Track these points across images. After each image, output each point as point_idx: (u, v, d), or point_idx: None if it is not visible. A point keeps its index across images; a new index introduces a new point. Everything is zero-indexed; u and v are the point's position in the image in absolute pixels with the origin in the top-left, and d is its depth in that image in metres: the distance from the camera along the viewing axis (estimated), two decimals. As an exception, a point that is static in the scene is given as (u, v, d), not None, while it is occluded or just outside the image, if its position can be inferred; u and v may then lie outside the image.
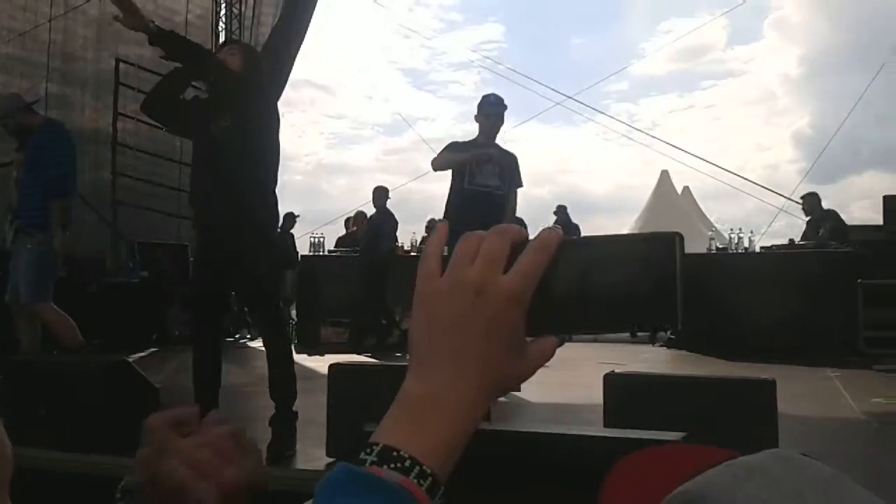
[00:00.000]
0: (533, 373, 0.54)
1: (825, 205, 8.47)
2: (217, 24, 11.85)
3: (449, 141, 5.15)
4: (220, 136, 3.27)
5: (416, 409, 0.51)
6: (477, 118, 5.09)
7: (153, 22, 3.18)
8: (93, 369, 3.31)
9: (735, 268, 7.62)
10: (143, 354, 5.59)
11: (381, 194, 8.65)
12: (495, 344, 0.52)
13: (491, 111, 5.06)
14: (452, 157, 4.97)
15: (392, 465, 0.48)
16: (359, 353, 6.93)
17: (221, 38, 11.84)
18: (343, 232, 10.51)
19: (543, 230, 0.54)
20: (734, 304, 7.10)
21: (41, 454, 1.33)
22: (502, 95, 5.17)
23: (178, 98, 3.48)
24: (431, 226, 10.27)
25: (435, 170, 5.05)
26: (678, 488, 0.54)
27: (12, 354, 3.69)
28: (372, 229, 8.50)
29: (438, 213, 10.28)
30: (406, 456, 0.48)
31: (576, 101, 12.74)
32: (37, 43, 8.92)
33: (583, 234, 10.78)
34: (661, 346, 7.98)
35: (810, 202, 8.44)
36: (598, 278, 0.53)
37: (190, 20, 11.28)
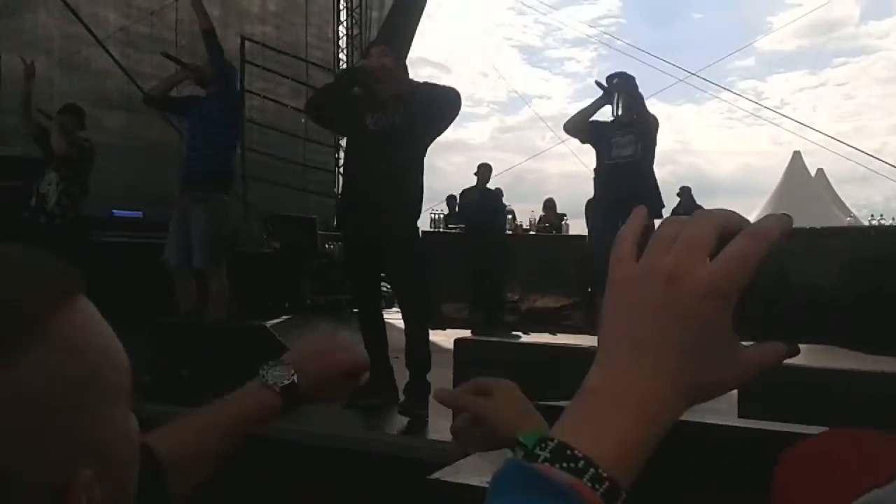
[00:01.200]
0: (745, 381, 0.48)
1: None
2: (339, 2, 12.11)
3: (565, 117, 5.28)
4: (383, 131, 3.52)
5: (596, 404, 0.47)
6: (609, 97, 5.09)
7: None
8: (234, 333, 3.50)
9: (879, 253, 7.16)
10: (277, 321, 5.83)
11: (486, 171, 8.65)
12: (690, 339, 0.46)
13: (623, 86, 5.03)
14: (579, 115, 5.10)
15: (565, 465, 0.43)
16: (478, 329, 6.98)
17: (343, 16, 12.10)
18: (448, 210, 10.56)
19: (768, 215, 0.47)
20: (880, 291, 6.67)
21: (183, 412, 1.41)
22: (620, 71, 5.21)
23: (339, 101, 3.70)
24: (550, 205, 10.17)
25: (568, 131, 5.17)
26: (870, 494, 0.51)
27: (160, 317, 3.93)
28: (479, 206, 8.48)
29: (553, 193, 10.36)
30: (580, 456, 0.43)
31: (699, 77, 12.25)
32: (164, 21, 9.33)
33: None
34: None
35: None
36: (836, 279, 0.45)
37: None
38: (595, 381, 0.47)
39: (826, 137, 11.68)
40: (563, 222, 10.08)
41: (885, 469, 0.55)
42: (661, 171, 5.17)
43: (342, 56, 11.98)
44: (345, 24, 12.09)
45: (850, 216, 11.55)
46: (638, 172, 4.96)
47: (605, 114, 5.11)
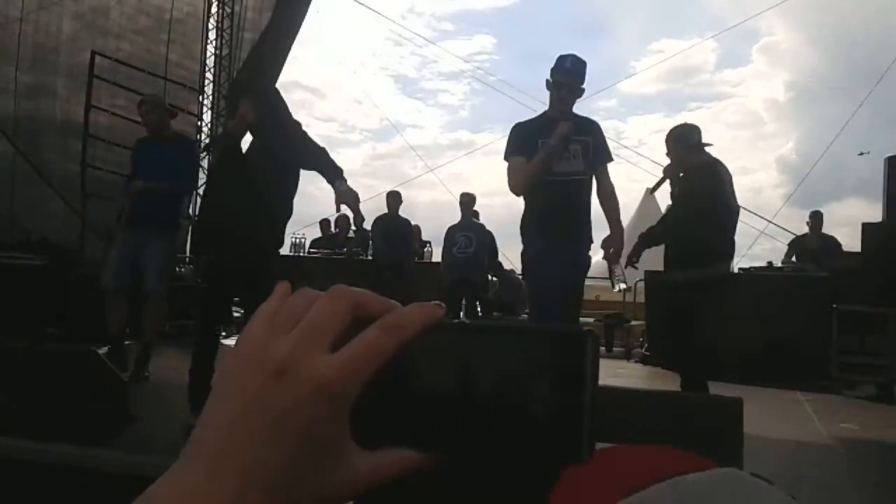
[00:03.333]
0: (359, 492, 0.40)
1: (804, 231, 8.66)
2: (208, 22, 11.80)
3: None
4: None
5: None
6: (548, 86, 4.06)
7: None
8: (61, 358, 3.28)
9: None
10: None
11: (396, 200, 8.67)
12: (287, 447, 0.37)
13: (563, 79, 3.99)
14: (529, 168, 3.97)
15: None
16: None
17: (212, 37, 11.80)
18: (318, 234, 10.47)
19: (414, 305, 0.40)
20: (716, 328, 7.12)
21: (2, 442, 1.30)
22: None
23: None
24: (415, 233, 10.27)
25: (519, 194, 4.08)
26: (631, 497, 0.51)
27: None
28: (386, 233, 8.47)
29: (421, 221, 10.31)
30: None
31: (564, 115, 12.80)
32: (6, 32, 8.88)
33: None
34: (637, 362, 8.03)
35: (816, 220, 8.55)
36: (476, 382, 0.39)
37: (177, 17, 11.20)
38: (166, 480, 0.38)
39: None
40: (426, 249, 10.17)
41: (652, 476, 0.54)
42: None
43: (209, 76, 11.66)
44: (214, 43, 11.78)
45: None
46: (586, 190, 4.03)
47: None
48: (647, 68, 34.73)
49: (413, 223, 9.16)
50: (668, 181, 4.48)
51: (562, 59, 4.01)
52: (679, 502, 0.48)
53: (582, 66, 4.01)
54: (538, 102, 12.75)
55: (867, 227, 7.14)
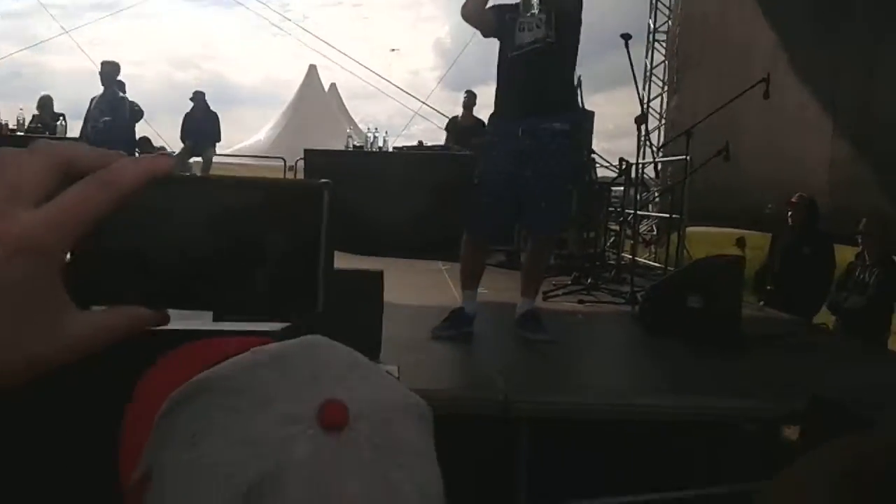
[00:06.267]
0: (81, 352, 0.39)
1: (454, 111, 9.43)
2: None
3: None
4: None
5: None
6: None
7: None
8: None
9: (367, 166, 7.98)
10: None
11: None
12: None
13: None
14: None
15: None
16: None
17: None
18: None
19: (135, 158, 0.39)
20: (365, 201, 7.46)
21: None
22: None
23: None
24: (45, 103, 9.07)
25: (466, 17, 3.81)
26: (191, 379, 0.51)
27: None
28: None
29: (52, 89, 9.24)
30: None
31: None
32: None
33: (221, 125, 10.37)
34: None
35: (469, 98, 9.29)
36: (208, 237, 0.39)
37: None
38: None
39: (341, 55, 12.53)
40: (59, 123, 9.06)
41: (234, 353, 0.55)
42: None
43: None
44: None
45: (351, 128, 12.65)
46: (554, 56, 3.60)
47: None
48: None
49: (43, 92, 7.98)
50: None
51: None
52: (255, 364, 0.51)
53: None
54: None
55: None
